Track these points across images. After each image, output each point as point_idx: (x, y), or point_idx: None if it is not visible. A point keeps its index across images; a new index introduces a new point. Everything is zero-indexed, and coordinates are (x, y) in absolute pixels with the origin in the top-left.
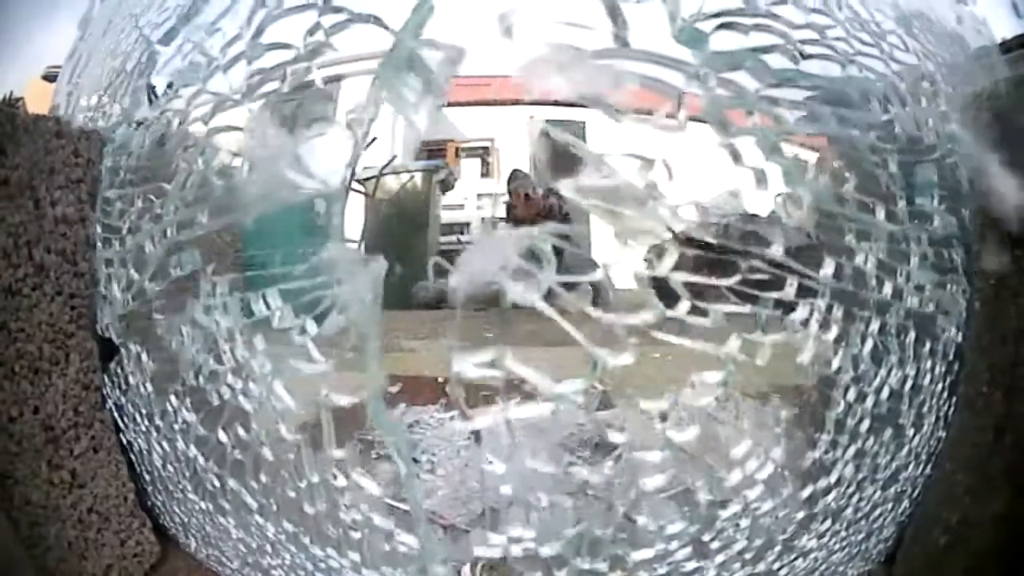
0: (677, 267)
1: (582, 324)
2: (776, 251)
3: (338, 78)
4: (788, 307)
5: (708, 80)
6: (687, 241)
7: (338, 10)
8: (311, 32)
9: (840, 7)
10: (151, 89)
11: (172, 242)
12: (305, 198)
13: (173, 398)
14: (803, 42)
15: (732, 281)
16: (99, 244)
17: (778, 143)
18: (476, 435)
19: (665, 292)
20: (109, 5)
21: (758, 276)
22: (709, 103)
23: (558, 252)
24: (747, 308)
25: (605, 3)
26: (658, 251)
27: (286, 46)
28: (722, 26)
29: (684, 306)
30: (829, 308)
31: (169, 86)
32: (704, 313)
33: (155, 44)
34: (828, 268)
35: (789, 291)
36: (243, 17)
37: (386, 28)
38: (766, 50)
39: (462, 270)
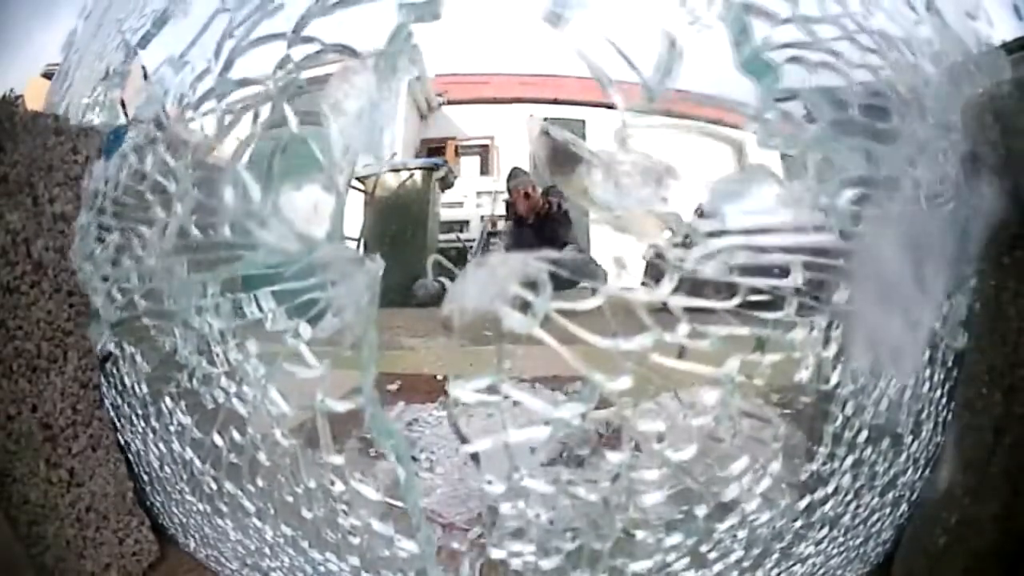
0: (676, 290)
1: (580, 348)
2: (795, 280)
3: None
4: (788, 326)
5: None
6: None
7: (309, 40)
8: (280, 66)
9: (890, 48)
10: None
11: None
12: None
13: (168, 400)
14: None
15: (732, 304)
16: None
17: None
18: (475, 457)
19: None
20: (98, 10)
21: (758, 298)
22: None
23: (554, 276)
24: (746, 331)
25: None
26: (656, 274)
27: (256, 82)
28: (791, 59)
29: (683, 329)
30: (830, 325)
31: (132, 122)
32: (703, 336)
33: (134, 48)
34: (843, 294)
35: (789, 311)
36: (210, 48)
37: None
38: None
39: (456, 298)
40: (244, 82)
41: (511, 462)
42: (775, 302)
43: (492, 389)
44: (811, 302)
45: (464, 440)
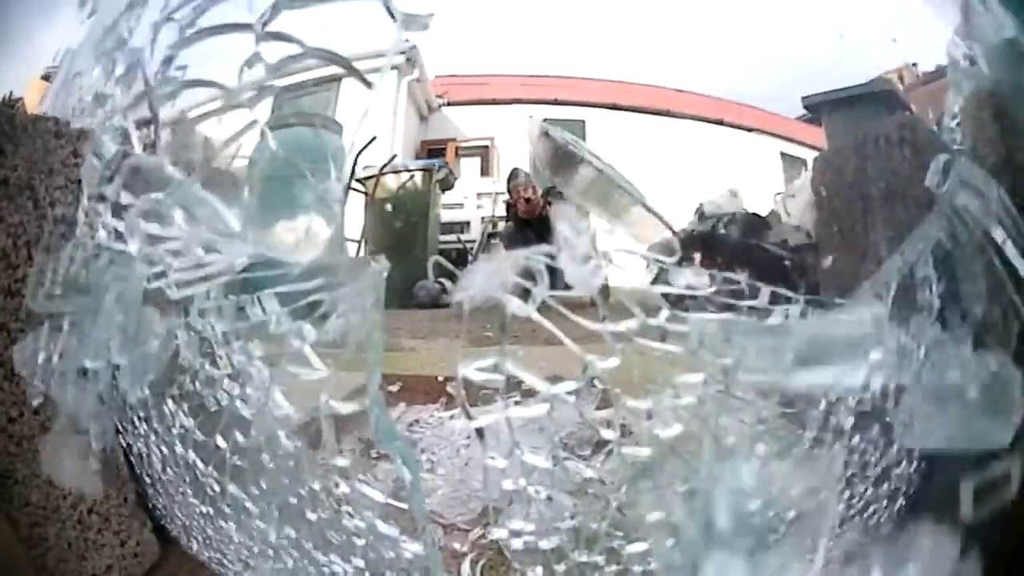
0: (656, 279)
1: (573, 331)
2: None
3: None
4: (762, 313)
5: None
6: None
7: (278, 36)
8: (248, 65)
9: None
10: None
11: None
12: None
13: (170, 402)
14: None
15: (708, 291)
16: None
17: None
18: (479, 432)
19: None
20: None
21: (733, 286)
22: None
23: (551, 269)
24: (723, 316)
25: None
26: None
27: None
28: None
29: (664, 314)
30: (803, 314)
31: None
32: (683, 320)
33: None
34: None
35: (763, 299)
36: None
37: (357, 74)
38: None
39: (465, 287)
40: (197, 83)
41: (512, 438)
42: (749, 290)
43: (497, 368)
44: (785, 291)
45: (470, 417)
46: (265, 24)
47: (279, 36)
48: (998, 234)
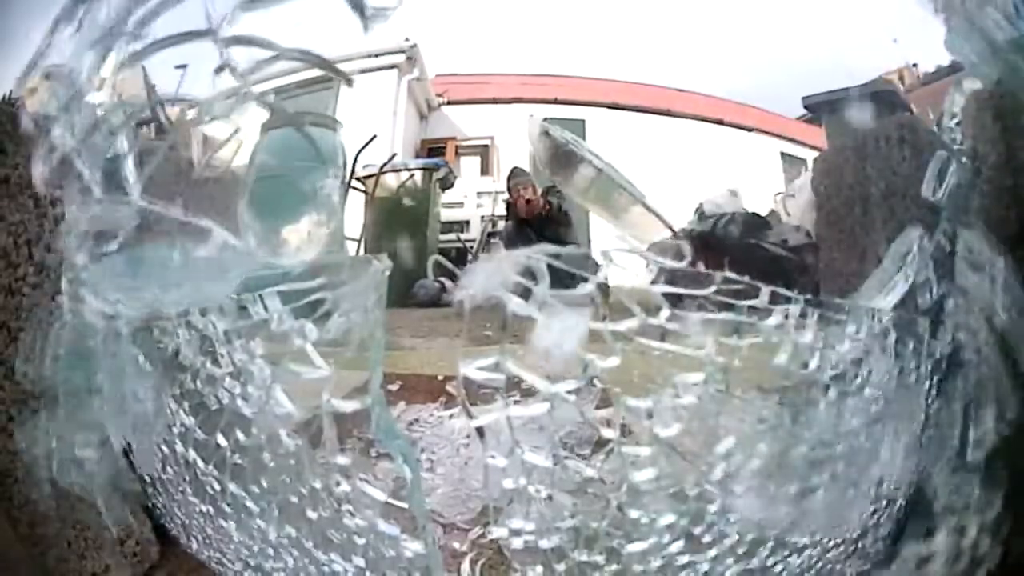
0: (656, 280)
1: None
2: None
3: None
4: (762, 313)
5: None
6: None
7: (242, 40)
8: (217, 72)
9: None
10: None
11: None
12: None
13: (171, 401)
14: None
15: (708, 292)
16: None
17: None
18: (479, 431)
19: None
20: None
21: (733, 287)
22: None
23: (554, 272)
24: (722, 315)
25: None
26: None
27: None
28: None
29: (664, 314)
30: (803, 314)
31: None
32: (683, 320)
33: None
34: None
35: (763, 299)
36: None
37: (337, 72)
38: None
39: (467, 286)
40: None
41: (512, 437)
42: (749, 290)
43: (497, 366)
44: (785, 292)
45: (470, 416)
46: (222, 25)
47: (243, 40)
48: (999, 303)
